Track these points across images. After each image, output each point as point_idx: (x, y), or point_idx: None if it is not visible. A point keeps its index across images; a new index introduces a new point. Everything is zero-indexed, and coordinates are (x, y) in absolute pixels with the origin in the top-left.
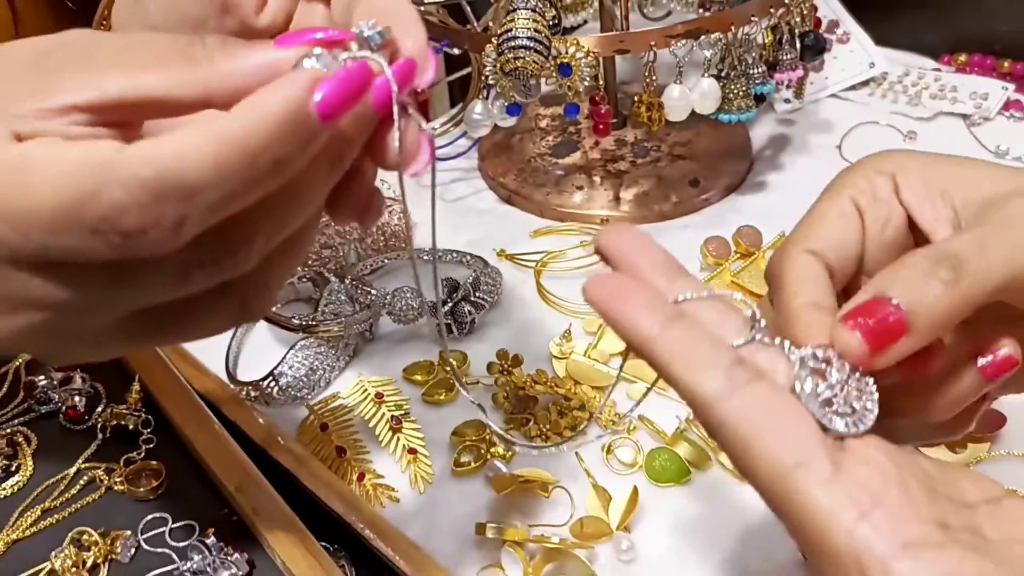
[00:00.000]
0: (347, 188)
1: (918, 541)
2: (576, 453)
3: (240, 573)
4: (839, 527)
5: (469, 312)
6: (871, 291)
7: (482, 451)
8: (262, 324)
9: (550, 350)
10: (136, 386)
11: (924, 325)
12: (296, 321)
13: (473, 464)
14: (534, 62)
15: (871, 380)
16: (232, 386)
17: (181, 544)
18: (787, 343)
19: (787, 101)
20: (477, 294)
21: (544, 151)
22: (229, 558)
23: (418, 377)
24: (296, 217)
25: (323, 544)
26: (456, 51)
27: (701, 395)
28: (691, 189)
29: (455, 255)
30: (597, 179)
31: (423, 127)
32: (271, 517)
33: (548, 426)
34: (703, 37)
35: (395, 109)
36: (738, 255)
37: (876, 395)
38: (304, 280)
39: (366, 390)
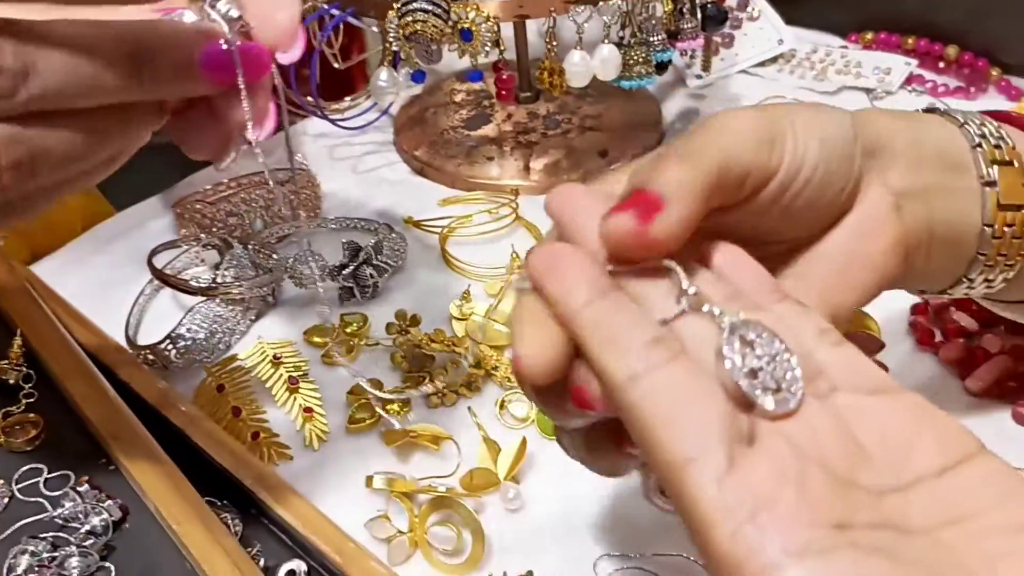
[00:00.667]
0: (204, 127)
1: (805, 547)
2: (469, 408)
3: (112, 518)
4: (724, 530)
5: (371, 276)
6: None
7: (377, 409)
8: (168, 292)
9: (450, 311)
10: (18, 340)
11: (677, 195)
12: (195, 284)
13: (368, 421)
14: (434, 26)
15: (794, 359)
16: (131, 351)
17: (55, 493)
18: (717, 310)
19: (698, 77)
20: (379, 258)
21: (457, 124)
22: (101, 504)
23: (318, 339)
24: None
25: (210, 499)
26: (360, 20)
27: (609, 378)
28: (600, 160)
29: (363, 223)
30: (508, 150)
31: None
32: (146, 465)
33: (444, 384)
34: (602, 3)
35: (240, 80)
36: None
37: (800, 373)
38: (209, 247)
39: (264, 352)
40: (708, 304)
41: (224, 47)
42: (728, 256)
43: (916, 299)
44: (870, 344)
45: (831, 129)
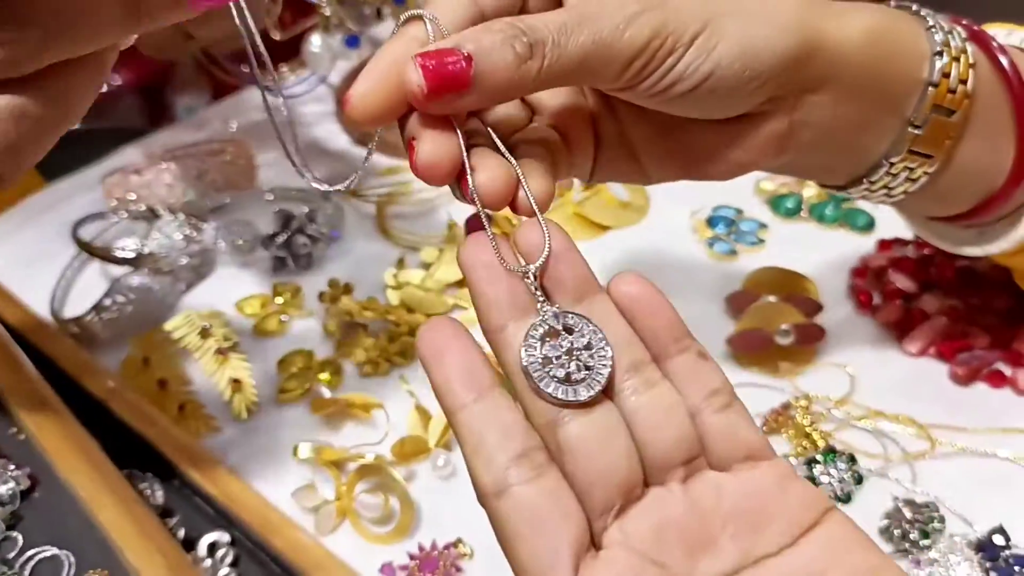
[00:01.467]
0: None
1: None
2: (401, 377)
3: (20, 487)
4: None
5: (305, 245)
6: (453, 40)
7: (308, 379)
8: (97, 264)
9: (385, 280)
10: None
11: (486, 87)
12: (121, 254)
13: (298, 391)
14: None
15: (609, 354)
16: (55, 323)
17: None
18: (541, 298)
19: None
20: (313, 227)
21: None
22: (9, 473)
23: (249, 309)
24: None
25: (133, 471)
26: None
27: (477, 483)
28: None
29: (299, 193)
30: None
31: None
32: (58, 434)
33: (377, 352)
34: None
35: None
36: (581, 186)
37: (606, 370)
38: (139, 219)
39: (193, 323)
40: (541, 298)
41: None
42: (644, 296)
43: (855, 262)
44: (808, 307)
45: (759, 44)
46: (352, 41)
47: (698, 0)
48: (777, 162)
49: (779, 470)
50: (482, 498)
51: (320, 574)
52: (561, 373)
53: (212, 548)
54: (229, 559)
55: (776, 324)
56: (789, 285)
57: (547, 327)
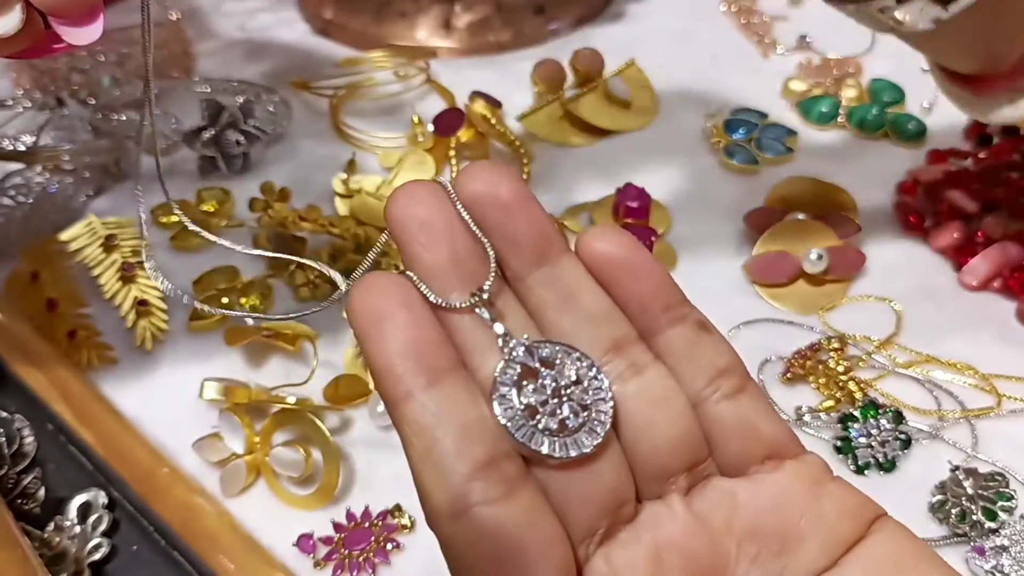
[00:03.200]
0: None
1: None
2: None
3: None
4: None
5: (238, 143)
6: None
7: (230, 302)
8: None
9: (332, 186)
10: None
11: None
12: (10, 146)
13: (214, 317)
14: None
15: (605, 384)
16: None
17: None
18: (501, 328)
19: None
20: (250, 122)
21: None
22: None
23: (165, 219)
24: None
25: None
26: None
27: (427, 503)
28: (535, 18)
29: (237, 85)
30: (425, 4)
31: None
32: None
33: (316, 273)
34: None
35: None
36: (574, 83)
37: (610, 409)
38: (43, 109)
39: (96, 232)
40: (500, 326)
41: None
42: (624, 255)
43: (902, 176)
44: (844, 226)
45: None
46: None
47: None
48: None
49: (810, 470)
50: (433, 519)
51: (215, 549)
52: (553, 424)
53: (84, 511)
54: (103, 526)
55: (804, 247)
56: (822, 200)
57: (519, 367)
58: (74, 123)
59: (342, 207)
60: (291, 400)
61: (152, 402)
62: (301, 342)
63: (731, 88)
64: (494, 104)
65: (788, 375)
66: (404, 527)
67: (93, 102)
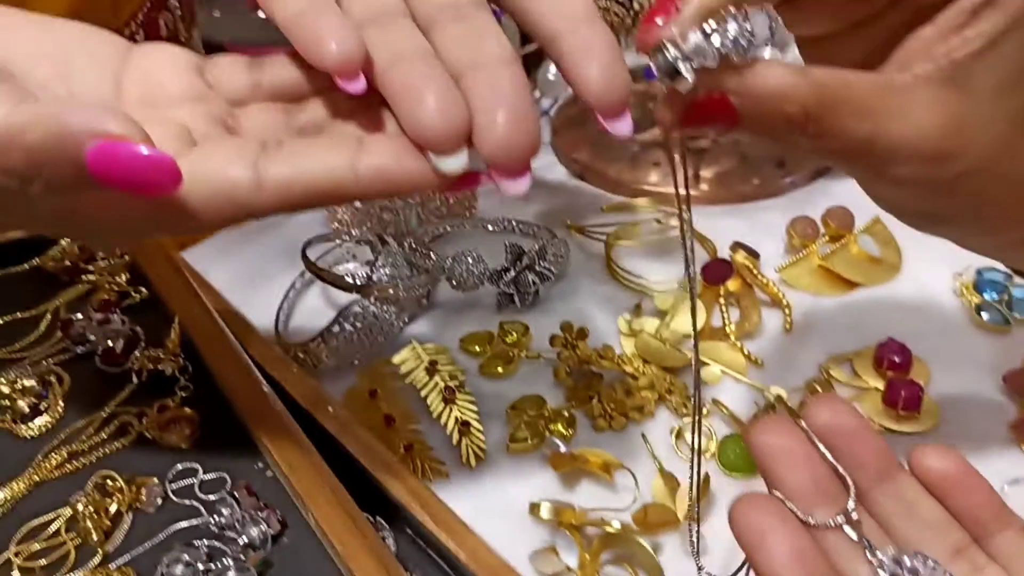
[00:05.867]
0: None
1: None
2: (643, 435)
3: (271, 531)
4: None
5: (533, 283)
6: None
7: (540, 428)
8: (316, 286)
9: (618, 326)
10: (176, 329)
11: None
12: (350, 281)
13: (530, 441)
14: (616, 15)
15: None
16: (279, 347)
17: (211, 497)
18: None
19: None
20: (542, 264)
21: None
22: (260, 514)
23: (475, 348)
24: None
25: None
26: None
27: None
28: (776, 170)
29: (523, 225)
30: (676, 156)
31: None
32: (307, 475)
33: (613, 405)
34: None
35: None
36: (827, 238)
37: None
38: (362, 243)
39: (420, 357)
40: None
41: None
42: (956, 472)
43: None
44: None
45: None
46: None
47: None
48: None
49: None
50: None
51: None
52: None
53: None
54: None
55: None
56: None
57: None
58: (396, 259)
59: (627, 345)
60: (616, 524)
61: (483, 514)
62: (615, 470)
63: None
64: (753, 255)
65: None
66: None
67: (408, 241)
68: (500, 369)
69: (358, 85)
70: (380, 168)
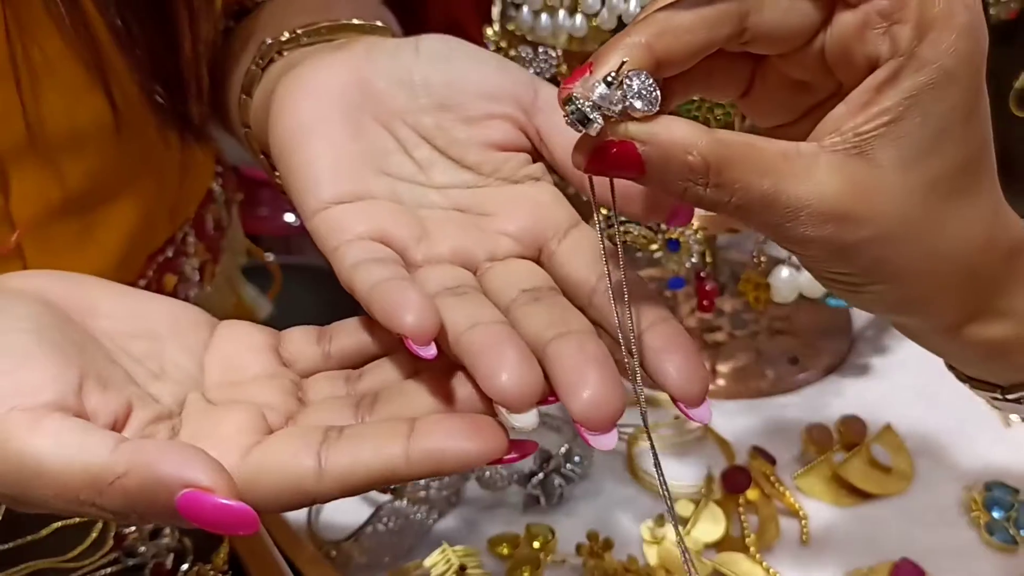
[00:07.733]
0: None
1: None
2: None
3: None
4: None
5: (559, 485)
6: None
7: None
8: None
9: (642, 534)
10: (225, 547)
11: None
12: None
13: None
14: (644, 236)
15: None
16: (312, 544)
17: None
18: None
19: None
20: (568, 466)
21: None
22: None
23: (503, 550)
24: None
25: None
26: None
27: None
28: (790, 367)
29: (547, 418)
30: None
31: None
32: None
33: None
34: None
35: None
36: (840, 446)
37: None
38: None
39: (450, 561)
40: None
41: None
42: None
43: None
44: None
45: None
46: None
47: None
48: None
49: None
50: None
51: None
52: None
53: None
54: None
55: None
56: None
57: None
58: None
59: (650, 554)
60: None
61: None
62: None
63: (980, 454)
64: (769, 460)
65: None
66: None
67: None
68: (527, 575)
69: (430, 351)
70: (430, 452)
